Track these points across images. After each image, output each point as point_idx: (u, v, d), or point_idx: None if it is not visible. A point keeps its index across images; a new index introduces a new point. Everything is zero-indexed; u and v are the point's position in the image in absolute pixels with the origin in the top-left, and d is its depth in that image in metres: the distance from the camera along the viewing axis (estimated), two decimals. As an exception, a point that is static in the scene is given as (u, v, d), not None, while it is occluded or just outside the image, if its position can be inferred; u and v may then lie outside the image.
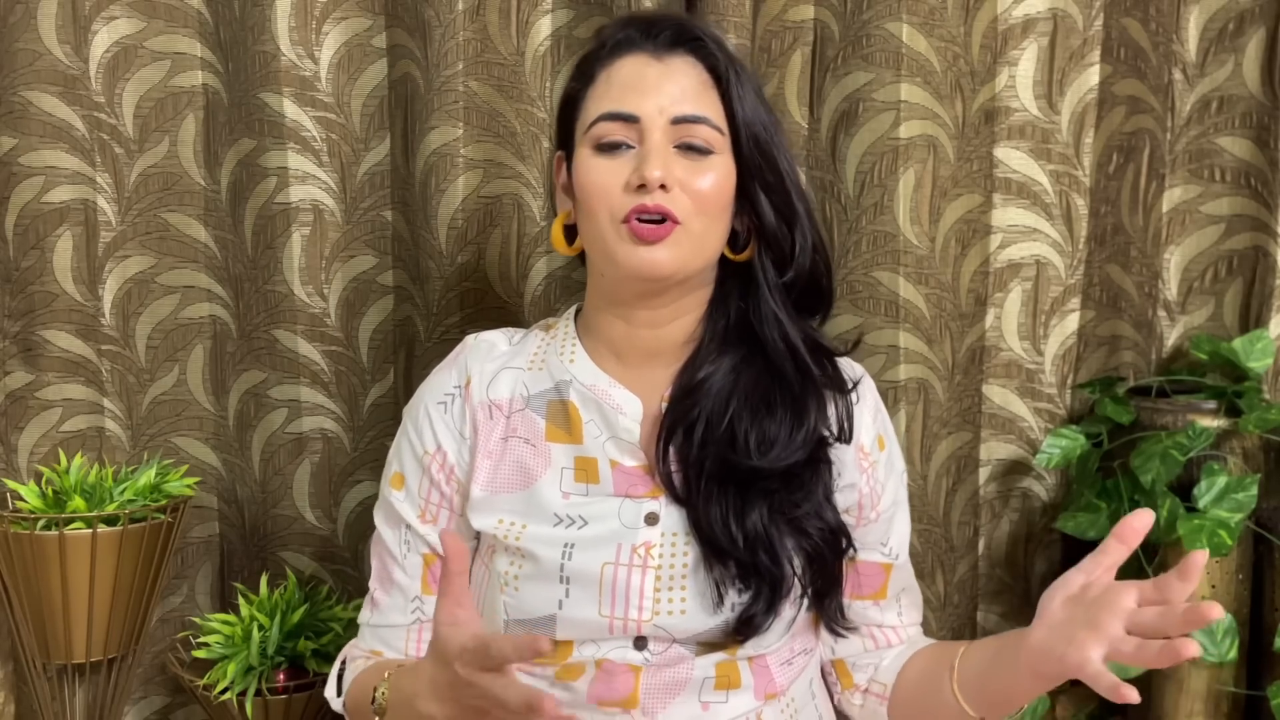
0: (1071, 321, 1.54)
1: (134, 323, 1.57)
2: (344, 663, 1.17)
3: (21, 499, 1.48)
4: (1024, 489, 1.55)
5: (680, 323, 1.13)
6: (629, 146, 1.07)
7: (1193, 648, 0.84)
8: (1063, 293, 1.53)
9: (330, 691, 1.16)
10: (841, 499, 1.13)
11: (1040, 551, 1.56)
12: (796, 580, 1.07)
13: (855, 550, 1.13)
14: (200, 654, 1.46)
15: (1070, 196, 1.51)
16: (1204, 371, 1.53)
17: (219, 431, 1.60)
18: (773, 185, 1.09)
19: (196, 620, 1.54)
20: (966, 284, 1.50)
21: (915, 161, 1.45)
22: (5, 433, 1.55)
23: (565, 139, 1.14)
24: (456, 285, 1.50)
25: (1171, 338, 1.59)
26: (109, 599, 1.45)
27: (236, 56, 1.51)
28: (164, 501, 1.48)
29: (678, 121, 1.06)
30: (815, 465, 1.10)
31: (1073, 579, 0.97)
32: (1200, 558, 0.88)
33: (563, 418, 1.12)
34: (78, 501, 1.45)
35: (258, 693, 1.41)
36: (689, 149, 1.07)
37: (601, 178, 1.06)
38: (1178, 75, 1.55)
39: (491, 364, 1.16)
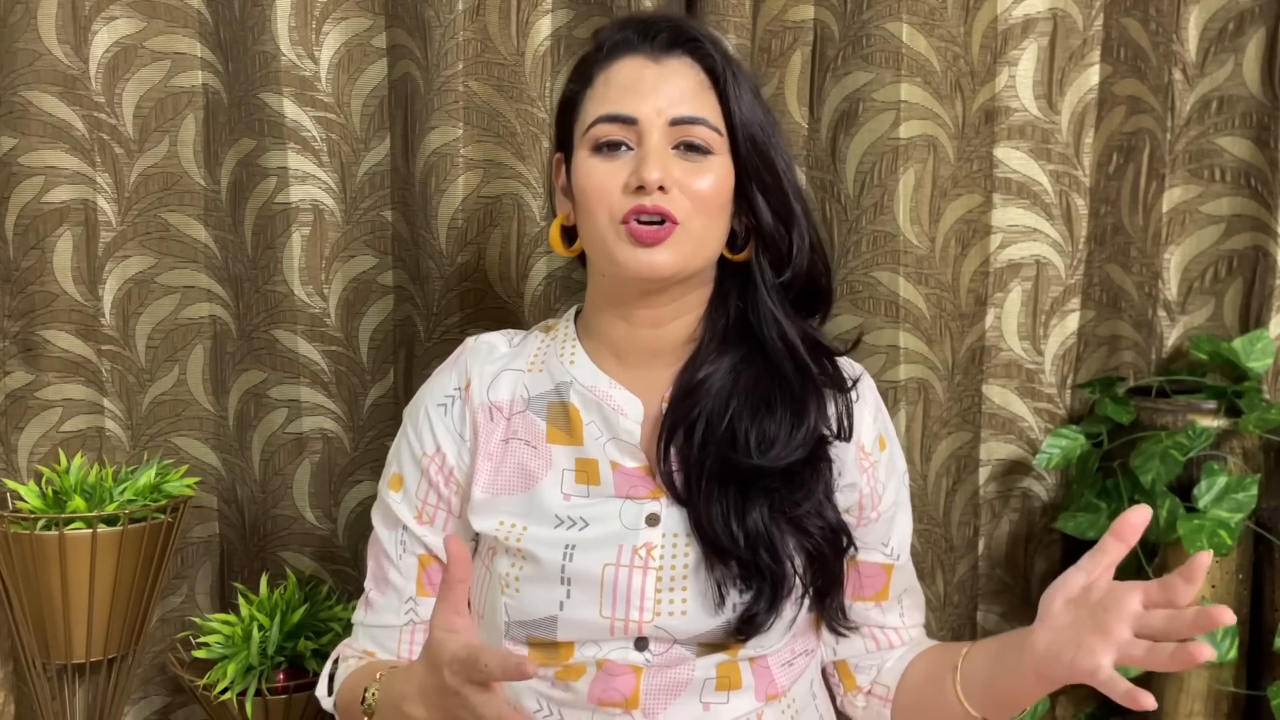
0: (1071, 321, 1.54)
1: (134, 323, 1.57)
2: (336, 661, 1.17)
3: (21, 499, 1.48)
4: (1024, 489, 1.55)
5: (680, 322, 1.13)
6: (628, 148, 1.07)
7: (1207, 651, 0.84)
8: (1063, 293, 1.53)
9: (321, 690, 1.16)
10: (842, 498, 1.13)
11: (1040, 551, 1.56)
12: (798, 579, 1.07)
13: (856, 549, 1.13)
14: (200, 654, 1.46)
15: (1070, 196, 1.51)
16: (1204, 371, 1.53)
17: (219, 431, 1.60)
18: (770, 186, 1.09)
19: (196, 620, 1.54)
20: (966, 284, 1.50)
21: (915, 161, 1.45)
22: (5, 433, 1.55)
23: (564, 141, 1.14)
24: (456, 285, 1.50)
25: (1171, 338, 1.59)
26: (109, 599, 1.45)
27: (236, 56, 1.51)
28: (164, 501, 1.48)
29: (676, 123, 1.06)
30: (815, 464, 1.10)
31: (1073, 579, 0.97)
32: (1205, 559, 0.87)
33: (563, 419, 1.12)
34: (78, 501, 1.45)
35: (258, 693, 1.41)
36: (688, 149, 1.07)
37: (600, 179, 1.06)
38: (1178, 75, 1.55)
39: (492, 366, 1.16)
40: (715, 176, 1.07)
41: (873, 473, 1.15)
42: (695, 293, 1.12)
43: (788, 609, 1.07)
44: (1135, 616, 0.90)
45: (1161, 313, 1.58)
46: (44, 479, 1.53)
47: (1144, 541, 1.38)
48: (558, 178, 1.17)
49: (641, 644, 1.06)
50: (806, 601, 1.09)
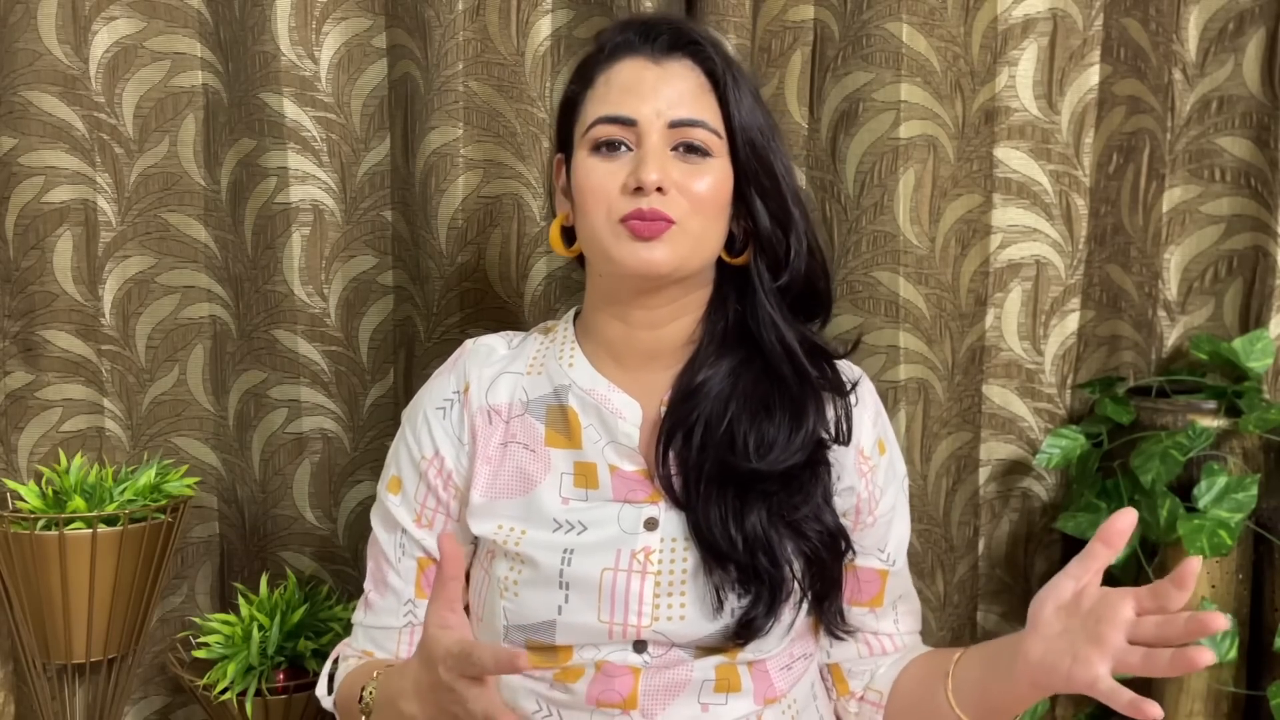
0: (1071, 321, 1.54)
1: (134, 323, 1.57)
2: (336, 661, 1.17)
3: (21, 499, 1.49)
4: (1024, 489, 1.55)
5: (678, 324, 1.13)
6: (627, 149, 1.07)
7: (1207, 656, 0.83)
8: (1063, 293, 1.53)
9: (321, 689, 1.16)
10: (840, 502, 1.13)
11: (1040, 551, 1.56)
12: (796, 584, 1.07)
13: (854, 553, 1.13)
14: (200, 654, 1.46)
15: (1070, 196, 1.51)
16: (1204, 371, 1.53)
17: (219, 431, 1.60)
18: (768, 190, 1.09)
19: (196, 620, 1.54)
20: (966, 284, 1.50)
21: (915, 161, 1.45)
22: (5, 433, 1.55)
23: (564, 141, 1.14)
24: (456, 285, 1.50)
25: (1171, 338, 1.59)
26: (109, 599, 1.45)
27: (236, 56, 1.51)
28: (164, 501, 1.48)
29: (675, 125, 1.06)
30: (814, 467, 1.10)
31: (1062, 585, 0.96)
32: (1194, 564, 0.87)
33: (562, 423, 1.12)
34: (78, 501, 1.45)
35: (258, 693, 1.41)
36: (687, 151, 1.07)
37: (599, 180, 1.06)
38: (1178, 75, 1.55)
39: (490, 369, 1.16)
40: (714, 178, 1.07)
41: (871, 477, 1.15)
42: (693, 294, 1.12)
43: (786, 613, 1.07)
44: (1128, 623, 0.90)
45: (1161, 313, 1.58)
46: (44, 479, 1.53)
47: (1144, 542, 1.39)
48: (558, 178, 1.17)
49: (640, 646, 1.06)
50: (805, 605, 1.09)
